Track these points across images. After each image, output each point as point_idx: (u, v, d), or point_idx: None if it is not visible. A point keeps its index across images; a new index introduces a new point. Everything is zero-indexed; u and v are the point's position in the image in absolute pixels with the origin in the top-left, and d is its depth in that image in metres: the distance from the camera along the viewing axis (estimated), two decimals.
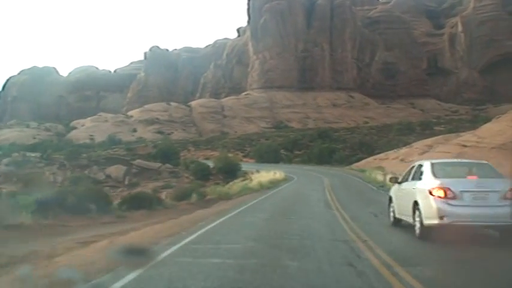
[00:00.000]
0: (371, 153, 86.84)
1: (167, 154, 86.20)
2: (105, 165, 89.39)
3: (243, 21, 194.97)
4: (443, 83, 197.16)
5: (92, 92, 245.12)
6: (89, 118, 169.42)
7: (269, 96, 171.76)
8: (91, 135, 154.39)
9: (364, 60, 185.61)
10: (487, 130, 61.04)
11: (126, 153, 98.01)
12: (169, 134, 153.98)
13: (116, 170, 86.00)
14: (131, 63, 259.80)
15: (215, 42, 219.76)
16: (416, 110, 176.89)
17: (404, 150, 73.31)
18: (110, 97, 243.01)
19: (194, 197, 23.79)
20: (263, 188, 34.65)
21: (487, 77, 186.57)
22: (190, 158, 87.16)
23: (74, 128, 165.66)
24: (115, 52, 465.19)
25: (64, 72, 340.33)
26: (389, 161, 72.74)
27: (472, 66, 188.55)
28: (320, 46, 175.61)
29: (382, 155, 76.61)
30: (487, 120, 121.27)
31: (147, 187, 74.35)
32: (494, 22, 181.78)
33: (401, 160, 71.05)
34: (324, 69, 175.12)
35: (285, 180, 48.26)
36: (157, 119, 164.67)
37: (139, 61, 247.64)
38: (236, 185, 35.71)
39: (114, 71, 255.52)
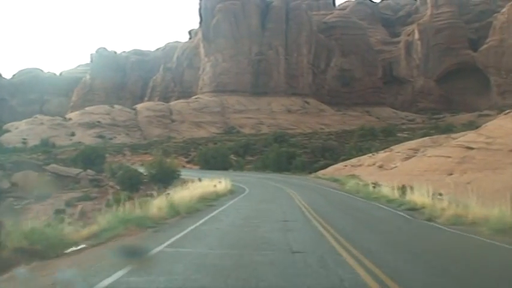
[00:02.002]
0: (336, 159, 69.71)
1: (90, 158, 66.93)
2: (13, 171, 68.65)
3: (196, 24, 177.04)
4: (398, 91, 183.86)
5: (36, 95, 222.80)
6: (24, 120, 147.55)
7: (221, 101, 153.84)
8: (24, 139, 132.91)
9: (319, 66, 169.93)
10: (497, 128, 44.68)
11: (44, 157, 78.06)
12: (111, 138, 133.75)
13: (24, 177, 65.40)
14: (78, 66, 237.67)
15: (166, 45, 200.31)
16: (372, 117, 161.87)
17: (382, 155, 56.29)
18: (54, 101, 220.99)
19: None
20: (179, 212, 16.38)
21: (443, 85, 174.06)
22: (118, 163, 67.92)
23: (8, 131, 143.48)
24: (62, 54, 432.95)
25: (7, 74, 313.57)
26: (365, 168, 55.65)
27: (428, 75, 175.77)
28: (275, 49, 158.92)
29: (353, 161, 59.45)
30: (449, 128, 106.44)
31: (60, 198, 55.46)
32: (451, 30, 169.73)
33: (380, 167, 54.04)
34: (279, 73, 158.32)
35: (231, 193, 30.55)
36: (98, 122, 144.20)
37: (87, 64, 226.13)
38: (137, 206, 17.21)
39: (60, 74, 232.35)
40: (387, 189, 26.94)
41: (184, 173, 61.10)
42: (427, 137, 58.69)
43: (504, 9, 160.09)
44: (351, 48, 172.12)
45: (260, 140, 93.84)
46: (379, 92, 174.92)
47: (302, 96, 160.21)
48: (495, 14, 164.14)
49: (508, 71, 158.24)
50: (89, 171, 65.94)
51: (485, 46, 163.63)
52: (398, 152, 53.50)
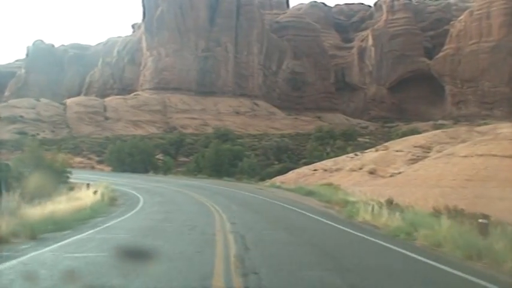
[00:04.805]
0: (296, 162, 48.38)
1: None
2: None
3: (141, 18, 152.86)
4: (349, 98, 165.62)
5: None
6: None
7: (162, 99, 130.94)
8: None
9: (270, 67, 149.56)
10: None
11: None
12: (33, 135, 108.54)
13: None
14: (16, 60, 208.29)
15: (108, 40, 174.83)
16: (324, 123, 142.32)
17: (372, 155, 35.75)
18: None
19: None
20: None
21: (396, 94, 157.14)
22: None
23: None
24: None
25: None
26: (346, 173, 34.66)
27: (381, 83, 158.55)
28: (224, 46, 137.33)
29: (328, 164, 38.51)
30: (415, 133, 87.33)
31: None
32: (406, 36, 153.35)
33: (372, 173, 32.92)
34: (227, 72, 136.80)
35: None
36: (21, 117, 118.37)
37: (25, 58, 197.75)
38: None
39: None
40: None
41: (84, 176, 39.26)
42: (439, 130, 38.21)
43: (461, 17, 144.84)
44: (303, 50, 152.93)
45: (200, 140, 71.61)
46: (332, 98, 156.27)
47: (251, 98, 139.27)
48: (452, 22, 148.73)
49: (464, 80, 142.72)
50: None
51: (441, 54, 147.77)
52: (400, 151, 32.96)
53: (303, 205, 20.75)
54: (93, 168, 56.74)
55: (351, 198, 20.15)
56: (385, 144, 38.94)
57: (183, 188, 30.47)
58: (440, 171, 25.42)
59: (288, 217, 17.08)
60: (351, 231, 13.03)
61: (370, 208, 15.09)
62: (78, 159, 59.74)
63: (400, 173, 29.21)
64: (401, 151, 32.98)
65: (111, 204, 20.15)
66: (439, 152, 29.96)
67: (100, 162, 58.89)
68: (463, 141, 30.60)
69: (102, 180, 37.97)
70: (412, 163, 30.07)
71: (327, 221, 15.42)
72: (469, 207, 20.34)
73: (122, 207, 18.69)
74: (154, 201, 21.45)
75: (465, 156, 25.66)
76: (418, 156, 31.22)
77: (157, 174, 47.67)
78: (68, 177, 38.02)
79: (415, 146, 33.23)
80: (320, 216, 16.80)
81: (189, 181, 39.39)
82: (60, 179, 35.01)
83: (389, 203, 20.63)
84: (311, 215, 17.16)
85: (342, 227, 13.83)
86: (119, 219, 14.56)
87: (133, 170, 49.04)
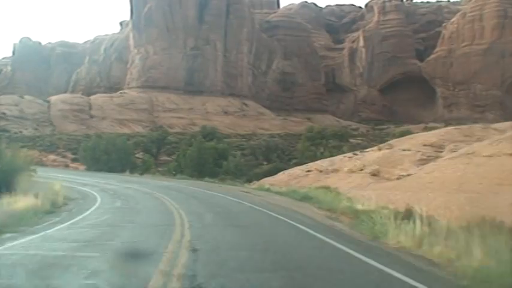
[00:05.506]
0: (286, 162, 43.73)
1: None
2: None
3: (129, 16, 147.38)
4: (339, 100, 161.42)
5: None
6: None
7: (149, 97, 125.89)
8: None
9: (260, 67, 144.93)
10: None
11: None
12: (16, 133, 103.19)
13: None
14: (3, 58, 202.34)
15: (95, 38, 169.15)
16: (314, 124, 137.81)
17: (375, 154, 30.95)
18: None
19: None
20: None
21: (386, 96, 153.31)
22: None
23: None
24: None
25: None
26: (345, 175, 30.16)
27: (371, 84, 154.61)
28: (213, 45, 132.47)
29: (323, 164, 33.90)
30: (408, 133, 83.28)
31: None
32: (398, 38, 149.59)
33: (375, 175, 28.16)
34: (216, 71, 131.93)
35: None
36: (3, 114, 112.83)
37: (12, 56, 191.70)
38: None
39: None
40: None
41: (52, 175, 34.49)
42: (451, 127, 33.77)
43: (454, 19, 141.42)
44: (294, 50, 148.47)
45: (184, 139, 66.71)
46: (322, 99, 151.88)
47: (240, 98, 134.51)
48: (444, 24, 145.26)
49: (456, 83, 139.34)
50: None
51: (432, 56, 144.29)
52: (407, 150, 28.44)
53: (301, 215, 15.81)
54: (66, 166, 51.96)
55: (359, 206, 15.54)
56: (389, 142, 34.43)
57: (156, 190, 25.68)
58: (461, 173, 20.89)
59: (285, 239, 11.59)
60: (396, 274, 7.32)
61: (407, 226, 10.04)
62: (52, 157, 55.05)
63: (409, 175, 24.64)
64: (408, 150, 28.29)
65: (50, 210, 15.46)
66: (453, 151, 25.51)
67: (75, 160, 54.03)
68: (480, 140, 26.22)
69: (71, 180, 33.20)
70: (423, 164, 25.55)
71: (344, 248, 9.68)
72: (507, 219, 15.66)
73: (60, 216, 14.07)
74: (109, 207, 16.83)
75: (490, 156, 21.16)
76: (429, 156, 26.68)
77: (133, 174, 42.72)
78: (31, 176, 33.56)
79: (425, 145, 28.52)
80: (331, 237, 11.19)
81: (166, 182, 34.54)
82: (19, 177, 30.37)
83: (409, 213, 15.77)
84: (316, 234, 11.73)
85: (375, 263, 8.10)
86: (27, 239, 9.80)
87: (110, 169, 44.20)
